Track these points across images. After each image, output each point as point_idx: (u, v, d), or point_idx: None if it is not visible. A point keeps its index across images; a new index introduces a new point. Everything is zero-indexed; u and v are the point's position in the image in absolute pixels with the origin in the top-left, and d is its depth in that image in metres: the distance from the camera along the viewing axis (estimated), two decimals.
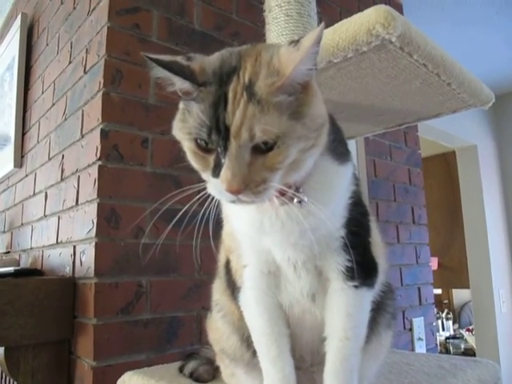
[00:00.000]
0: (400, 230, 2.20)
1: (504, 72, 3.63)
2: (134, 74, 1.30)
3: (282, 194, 0.59)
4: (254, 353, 0.72)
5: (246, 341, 0.74)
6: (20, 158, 1.93)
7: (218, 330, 0.80)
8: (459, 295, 4.67)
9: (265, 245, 0.66)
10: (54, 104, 1.62)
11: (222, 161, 0.54)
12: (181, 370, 0.97)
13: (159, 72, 0.57)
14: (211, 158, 0.56)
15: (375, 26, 0.80)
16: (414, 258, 2.26)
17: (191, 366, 0.95)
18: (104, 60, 1.26)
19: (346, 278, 0.65)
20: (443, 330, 4.57)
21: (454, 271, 4.33)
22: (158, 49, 1.36)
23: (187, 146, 0.58)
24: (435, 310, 4.56)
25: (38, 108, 1.82)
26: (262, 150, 0.53)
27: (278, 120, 0.53)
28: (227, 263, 0.75)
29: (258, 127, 0.52)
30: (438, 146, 3.88)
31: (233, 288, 0.73)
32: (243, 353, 0.75)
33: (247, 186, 0.54)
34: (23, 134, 1.96)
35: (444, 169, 4.42)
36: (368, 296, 0.68)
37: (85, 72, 1.37)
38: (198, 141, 0.56)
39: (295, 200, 0.60)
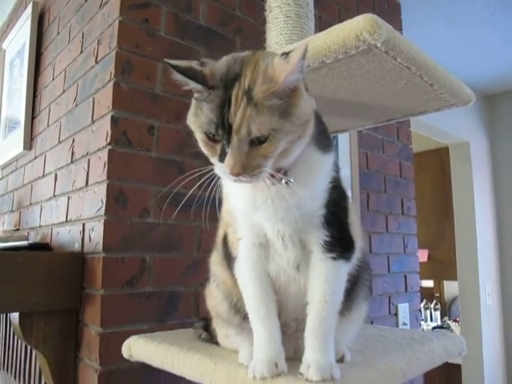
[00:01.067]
0: (389, 220, 2.31)
1: (498, 71, 3.72)
2: (142, 65, 1.40)
3: (273, 175, 0.72)
4: (242, 318, 0.86)
5: (234, 307, 0.88)
6: (29, 140, 2.03)
7: (214, 297, 0.93)
8: (450, 289, 4.79)
9: (257, 220, 0.78)
10: (64, 91, 1.72)
11: (226, 150, 0.68)
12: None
13: (177, 76, 0.69)
14: (218, 147, 0.70)
15: (362, 32, 0.90)
16: (401, 248, 2.38)
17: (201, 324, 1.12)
18: (115, 52, 1.36)
19: (325, 250, 0.77)
20: (431, 320, 4.71)
21: (443, 263, 4.46)
22: (165, 43, 1.46)
23: (199, 137, 0.72)
24: (425, 301, 4.72)
25: (48, 94, 1.91)
26: (258, 142, 0.67)
27: (269, 119, 0.66)
28: (225, 237, 0.87)
29: (254, 126, 0.66)
30: (432, 141, 3.98)
31: (229, 259, 0.85)
32: (232, 317, 0.88)
33: (245, 171, 0.67)
34: (33, 118, 2.05)
35: (437, 164, 4.54)
36: (344, 267, 0.80)
37: (96, 62, 1.47)
38: (208, 133, 0.69)
39: (283, 181, 0.73)
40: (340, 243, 0.78)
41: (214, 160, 0.72)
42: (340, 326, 0.82)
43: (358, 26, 0.91)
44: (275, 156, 0.69)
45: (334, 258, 0.78)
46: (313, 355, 0.73)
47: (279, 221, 0.77)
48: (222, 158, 0.69)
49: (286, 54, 0.67)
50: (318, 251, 0.78)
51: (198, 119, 0.71)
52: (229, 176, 0.69)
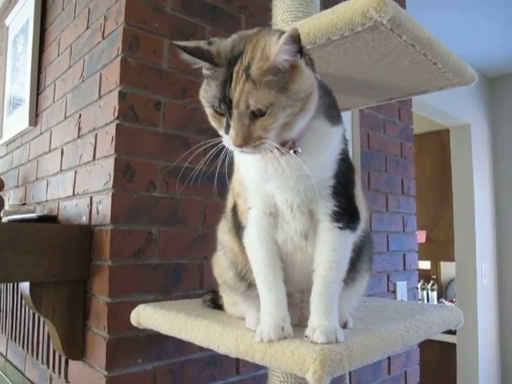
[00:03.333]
0: (389, 199, 2.34)
1: (500, 53, 3.72)
2: (149, 41, 1.41)
3: (282, 145, 0.76)
4: (247, 285, 0.91)
5: (239, 275, 0.92)
6: (35, 116, 2.04)
7: (221, 265, 0.97)
8: (447, 271, 4.85)
9: (268, 190, 0.82)
10: (70, 66, 1.73)
11: (230, 123, 0.73)
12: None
13: (186, 56, 0.75)
14: (224, 120, 0.75)
15: (369, 9, 0.91)
16: (400, 227, 2.41)
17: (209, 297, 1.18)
18: (123, 27, 1.37)
19: (332, 219, 0.81)
20: (428, 300, 4.77)
21: (441, 245, 4.51)
22: (172, 19, 1.47)
23: (208, 111, 0.78)
24: (421, 281, 4.78)
25: (53, 70, 1.92)
26: (257, 115, 0.71)
27: (267, 94, 0.71)
28: (234, 207, 0.90)
29: (252, 100, 0.70)
30: (433, 123, 3.99)
31: (238, 227, 0.89)
32: (238, 285, 0.93)
33: (247, 142, 0.73)
34: (38, 95, 2.07)
35: (437, 146, 4.56)
36: (350, 237, 0.83)
37: (103, 38, 1.48)
38: (215, 107, 0.75)
39: (292, 151, 0.77)
40: (347, 213, 0.82)
41: (221, 132, 0.77)
42: (344, 294, 0.86)
43: (365, 3, 0.92)
44: (276, 128, 0.73)
45: (341, 228, 0.81)
46: (318, 319, 0.77)
47: (289, 190, 0.80)
48: (227, 131, 0.74)
49: (281, 34, 0.71)
50: (326, 220, 0.81)
51: (206, 94, 0.76)
52: (233, 147, 0.74)
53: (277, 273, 0.83)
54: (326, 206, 0.81)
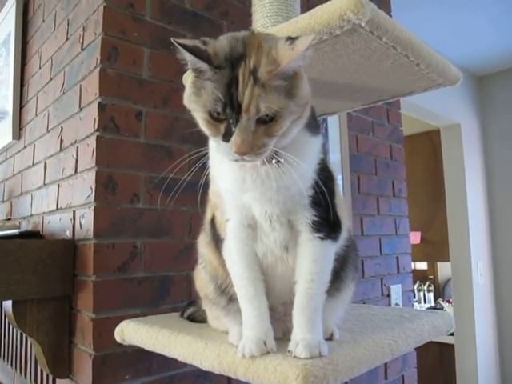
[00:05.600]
0: (380, 202, 2.32)
1: (488, 52, 3.72)
2: (128, 51, 1.39)
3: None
4: (228, 299, 0.88)
5: (219, 289, 0.90)
6: (18, 130, 2.01)
7: (202, 279, 0.95)
8: (444, 271, 4.83)
9: (245, 201, 0.79)
10: (51, 79, 1.71)
11: (233, 129, 0.68)
12: (182, 314, 1.17)
13: (185, 55, 0.70)
14: (222, 127, 0.70)
15: (346, 12, 0.90)
16: (393, 229, 2.39)
17: (190, 310, 1.14)
18: (101, 38, 1.34)
19: (313, 230, 0.78)
20: (425, 302, 4.75)
21: (435, 245, 4.50)
22: (151, 28, 1.45)
23: (201, 117, 0.72)
24: (418, 282, 4.76)
25: (35, 82, 1.90)
26: (263, 121, 0.69)
27: (277, 99, 0.68)
28: (212, 219, 0.88)
29: (263, 104, 0.67)
30: (424, 124, 3.99)
31: (217, 240, 0.86)
32: (219, 299, 0.90)
33: (251, 150, 0.69)
34: (21, 108, 2.04)
35: (429, 146, 4.55)
36: (331, 247, 0.81)
37: (82, 49, 1.46)
38: (212, 112, 0.70)
39: (274, 161, 0.74)
40: (327, 223, 0.80)
41: (216, 139, 0.72)
42: (329, 304, 0.84)
43: (342, 6, 0.90)
44: (279, 135, 0.71)
45: (322, 238, 0.79)
46: (301, 333, 0.75)
47: (267, 201, 0.78)
48: (226, 138, 0.70)
49: (291, 40, 0.70)
50: (306, 231, 0.79)
51: (200, 99, 0.71)
52: (233, 155, 0.70)
53: (258, 286, 0.80)
54: (305, 217, 0.79)
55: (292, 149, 0.76)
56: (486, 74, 4.14)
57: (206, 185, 0.91)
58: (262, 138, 0.69)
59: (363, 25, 0.92)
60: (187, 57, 0.70)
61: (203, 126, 0.73)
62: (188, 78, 0.76)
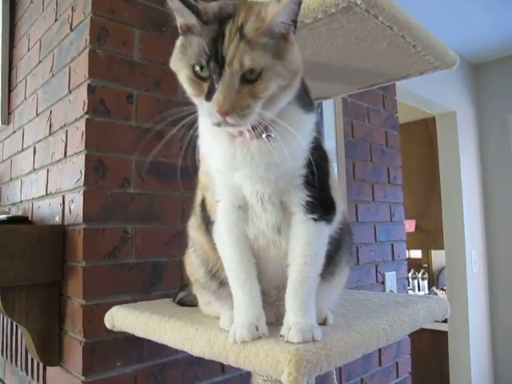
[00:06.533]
0: (375, 189, 2.30)
1: (484, 40, 3.69)
2: (119, 31, 1.35)
3: (254, 128, 0.71)
4: (219, 284, 0.86)
5: (210, 273, 0.87)
6: (7, 115, 1.97)
7: (192, 263, 0.92)
8: (438, 259, 4.84)
9: (236, 180, 0.77)
10: (40, 61, 1.67)
11: (216, 86, 0.66)
12: (174, 298, 1.16)
13: (175, 4, 0.68)
14: (205, 85, 0.68)
15: None
16: (388, 216, 2.38)
17: (180, 295, 1.13)
18: (90, 18, 1.31)
19: (306, 211, 0.76)
20: (419, 289, 4.76)
21: (430, 233, 4.50)
22: (142, 8, 1.41)
23: (185, 75, 0.70)
24: (412, 270, 4.77)
25: (24, 65, 1.85)
26: (248, 80, 0.66)
27: (263, 56, 0.66)
28: (203, 201, 0.85)
29: (247, 58, 0.66)
30: (419, 112, 3.96)
31: (207, 222, 0.84)
32: (210, 283, 0.88)
33: (234, 109, 0.66)
34: (9, 92, 2.00)
35: (424, 134, 4.53)
36: (326, 229, 0.78)
37: (71, 30, 1.42)
38: (196, 68, 0.68)
39: (264, 135, 0.72)
40: (321, 204, 0.77)
41: (199, 100, 0.70)
42: (323, 289, 0.82)
43: None
44: (265, 98, 0.68)
45: (315, 220, 0.76)
46: (293, 317, 0.73)
47: (258, 180, 0.75)
48: (209, 96, 0.67)
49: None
50: (300, 212, 0.77)
51: (186, 54, 0.70)
52: (215, 116, 0.67)
53: (249, 270, 0.78)
54: (298, 197, 0.76)
55: (284, 123, 0.74)
56: (482, 62, 4.11)
57: (196, 169, 0.89)
58: (246, 98, 0.66)
59: (359, 2, 0.90)
60: (176, 6, 0.68)
61: (187, 86, 0.71)
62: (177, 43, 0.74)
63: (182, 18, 0.69)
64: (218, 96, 0.66)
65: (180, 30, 0.72)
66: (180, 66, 0.71)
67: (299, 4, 0.66)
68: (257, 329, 0.73)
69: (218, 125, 0.69)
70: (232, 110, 0.66)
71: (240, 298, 0.77)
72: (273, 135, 0.73)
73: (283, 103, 0.72)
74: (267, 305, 0.81)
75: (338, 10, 0.92)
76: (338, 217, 0.84)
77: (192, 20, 0.68)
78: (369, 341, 0.79)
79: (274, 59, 0.67)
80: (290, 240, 0.78)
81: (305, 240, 0.76)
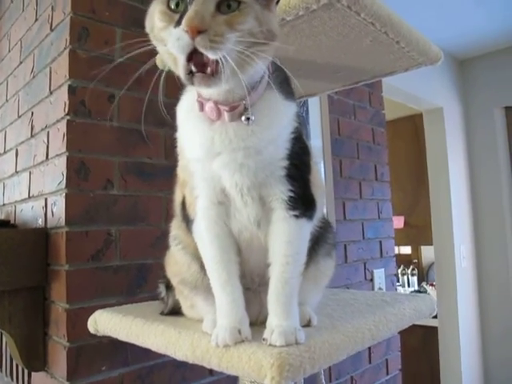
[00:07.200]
0: (363, 186, 2.30)
1: (470, 35, 3.70)
2: (100, 31, 1.33)
3: (233, 109, 0.70)
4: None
5: (203, 268, 0.83)
6: None
7: (177, 262, 0.89)
8: (428, 255, 4.86)
9: (214, 170, 0.74)
10: (21, 62, 1.64)
11: (188, 8, 0.62)
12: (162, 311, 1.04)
13: None
14: (177, 16, 0.64)
15: None
16: (375, 213, 2.38)
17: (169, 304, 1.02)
18: (70, 17, 1.29)
19: (288, 207, 0.74)
20: (409, 285, 4.78)
21: (419, 229, 4.51)
22: (124, 7, 1.39)
23: (158, 10, 0.67)
24: (402, 266, 4.79)
25: (5, 67, 1.83)
26: (225, 11, 0.63)
27: None
28: (183, 200, 0.83)
29: None
30: (406, 108, 3.97)
31: (187, 221, 0.82)
32: (203, 278, 0.84)
33: (206, 29, 0.61)
34: None
35: (412, 130, 4.54)
36: (307, 226, 0.77)
37: (51, 30, 1.40)
38: (169, 1, 0.66)
39: (243, 117, 0.71)
40: (302, 200, 0.76)
41: (167, 32, 0.65)
42: (305, 288, 0.81)
43: None
44: (241, 32, 0.64)
45: (297, 216, 0.75)
46: (276, 320, 0.71)
47: (237, 169, 0.73)
48: (179, 22, 0.63)
49: None
50: (281, 208, 0.75)
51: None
52: (183, 40, 0.62)
53: (231, 270, 0.76)
54: (280, 191, 0.74)
55: (263, 107, 0.73)
56: (468, 58, 4.12)
57: None
58: (221, 25, 0.62)
59: None
60: None
61: (158, 21, 0.67)
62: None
63: None
64: (189, 12, 0.61)
65: None
66: (154, 10, 0.69)
67: None
68: (239, 332, 0.72)
69: (191, 80, 0.65)
70: (203, 28, 0.61)
71: (222, 300, 0.75)
72: (252, 117, 0.71)
73: (258, 66, 0.68)
74: (251, 292, 0.81)
75: (319, 7, 0.91)
76: (318, 214, 0.83)
77: None
78: (354, 342, 0.78)
79: (255, 1, 0.66)
80: (271, 237, 0.76)
81: (286, 238, 0.74)
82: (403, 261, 4.81)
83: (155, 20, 0.68)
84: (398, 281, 4.68)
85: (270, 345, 0.68)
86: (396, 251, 2.56)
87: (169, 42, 0.65)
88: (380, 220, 2.40)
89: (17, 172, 1.58)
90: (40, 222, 1.36)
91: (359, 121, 2.33)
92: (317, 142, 2.07)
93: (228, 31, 0.63)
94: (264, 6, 0.69)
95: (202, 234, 0.79)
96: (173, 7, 0.65)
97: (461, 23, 3.46)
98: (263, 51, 0.67)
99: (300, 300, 0.77)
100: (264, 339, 0.70)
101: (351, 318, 0.86)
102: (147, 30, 0.71)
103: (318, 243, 0.86)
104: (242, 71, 0.65)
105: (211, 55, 0.62)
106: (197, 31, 0.61)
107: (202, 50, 0.62)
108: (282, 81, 0.76)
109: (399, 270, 4.77)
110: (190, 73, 0.65)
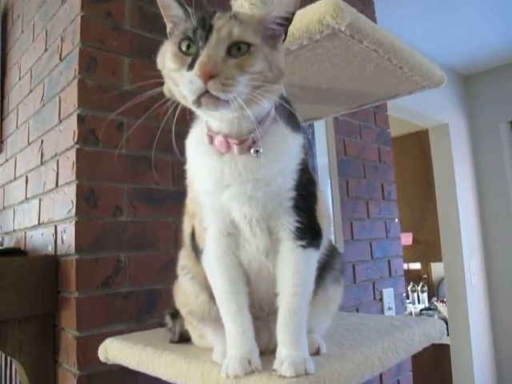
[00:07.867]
0: (370, 205, 2.30)
1: (475, 51, 3.72)
2: (108, 61, 1.36)
3: (242, 142, 0.72)
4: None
5: (212, 298, 0.83)
6: (0, 143, 1.98)
7: (186, 292, 0.89)
8: (438, 270, 4.82)
9: (224, 201, 0.75)
10: (31, 91, 1.67)
11: (200, 52, 0.65)
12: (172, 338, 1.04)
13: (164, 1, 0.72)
14: (189, 59, 0.67)
15: (325, 16, 0.88)
16: (383, 233, 2.38)
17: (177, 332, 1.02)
18: (79, 48, 1.32)
19: (295, 237, 0.75)
20: (419, 302, 4.74)
21: (428, 245, 4.49)
22: (131, 36, 1.42)
23: (170, 51, 0.70)
24: (412, 283, 4.75)
25: (15, 94, 1.86)
26: (235, 54, 0.66)
27: (253, 34, 0.68)
28: (192, 231, 0.84)
29: (237, 30, 0.67)
30: (412, 125, 3.98)
31: (196, 251, 0.82)
32: (210, 309, 0.84)
33: (218, 74, 0.64)
34: (1, 120, 2.00)
35: (418, 147, 4.55)
36: (314, 256, 0.78)
37: (60, 60, 1.43)
38: (181, 44, 0.68)
39: (252, 150, 0.72)
40: (309, 230, 0.77)
41: (180, 74, 0.67)
42: (314, 316, 0.81)
43: (321, 11, 0.88)
44: (251, 74, 0.66)
45: (304, 247, 0.76)
46: (285, 350, 0.72)
47: (246, 201, 0.74)
48: (192, 65, 0.65)
49: None
50: (288, 239, 0.75)
51: (172, 38, 0.72)
52: (196, 84, 0.64)
53: (241, 301, 0.77)
54: (288, 222, 0.75)
55: (271, 140, 0.75)
56: (473, 73, 4.14)
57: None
58: (231, 68, 0.64)
59: (343, 29, 0.90)
60: (166, 2, 0.71)
61: (170, 62, 0.69)
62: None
63: (170, 12, 0.72)
64: (201, 57, 0.64)
65: (168, 29, 0.74)
66: (166, 50, 0.71)
67: (295, 7, 0.70)
68: (249, 363, 0.72)
69: (199, 102, 0.66)
70: (215, 73, 0.63)
71: (232, 331, 0.76)
72: (261, 150, 0.72)
73: (267, 102, 0.70)
74: (260, 321, 0.81)
75: (322, 37, 0.93)
76: (325, 243, 0.84)
77: (179, 11, 0.71)
78: (363, 370, 0.78)
79: (263, 42, 0.69)
80: (279, 267, 0.76)
81: (293, 268, 0.75)
82: (413, 277, 4.78)
83: (167, 61, 0.70)
84: (408, 298, 4.64)
85: (280, 376, 0.68)
86: (405, 267, 2.55)
87: (181, 84, 0.67)
88: (388, 239, 2.40)
89: (27, 199, 1.60)
90: (50, 249, 1.37)
91: (365, 140, 2.34)
92: (323, 162, 2.08)
93: (239, 74, 0.65)
94: (272, 46, 0.71)
95: (211, 265, 0.79)
96: (184, 49, 0.68)
97: (465, 39, 3.49)
98: (271, 91, 0.70)
99: (309, 327, 0.78)
100: (274, 370, 0.70)
101: (360, 345, 0.86)
102: (159, 66, 0.74)
103: (325, 269, 0.86)
104: (250, 109, 0.67)
105: (223, 97, 0.65)
106: (209, 76, 0.63)
107: (214, 93, 0.64)
108: (288, 114, 0.78)
109: (409, 287, 4.74)
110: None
